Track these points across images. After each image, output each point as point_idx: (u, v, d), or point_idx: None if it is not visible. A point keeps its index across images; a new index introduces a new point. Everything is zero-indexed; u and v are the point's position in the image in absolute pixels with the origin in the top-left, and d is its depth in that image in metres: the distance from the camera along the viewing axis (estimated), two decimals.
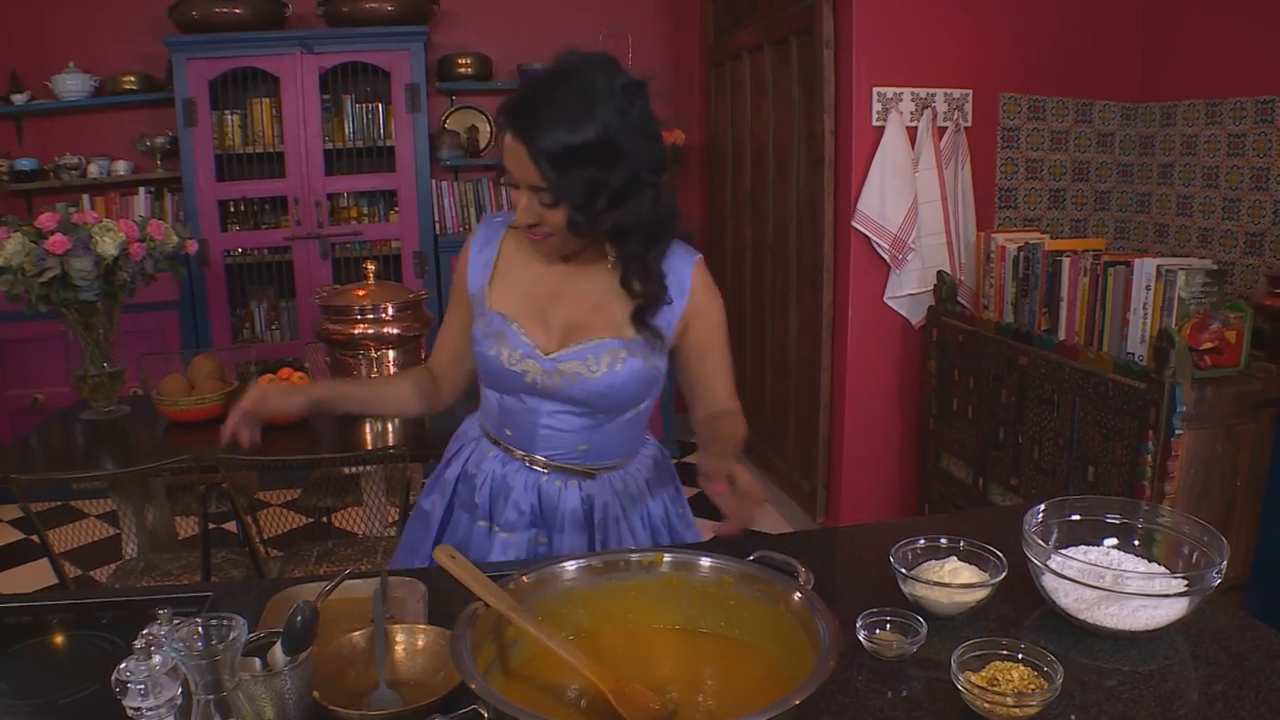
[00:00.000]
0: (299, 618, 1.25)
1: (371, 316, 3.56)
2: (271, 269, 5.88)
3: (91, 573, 4.39)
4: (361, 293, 3.61)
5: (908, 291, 4.24)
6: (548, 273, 1.96)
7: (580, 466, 2.02)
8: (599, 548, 2.01)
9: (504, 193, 2.07)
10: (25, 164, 5.62)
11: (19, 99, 5.57)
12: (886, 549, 1.70)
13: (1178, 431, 2.91)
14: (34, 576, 4.62)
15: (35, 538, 4.86)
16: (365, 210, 6.00)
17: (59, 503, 5.38)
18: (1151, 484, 2.97)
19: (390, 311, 3.57)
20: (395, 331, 3.58)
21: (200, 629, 1.10)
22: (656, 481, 2.16)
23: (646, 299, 1.88)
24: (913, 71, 4.12)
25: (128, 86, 5.65)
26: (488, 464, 2.05)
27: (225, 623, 1.10)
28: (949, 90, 4.15)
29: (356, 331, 3.55)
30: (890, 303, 4.29)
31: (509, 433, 2.02)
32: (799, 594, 1.30)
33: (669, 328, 1.94)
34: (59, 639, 1.66)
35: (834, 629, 1.18)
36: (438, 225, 5.96)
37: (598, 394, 1.92)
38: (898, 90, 4.10)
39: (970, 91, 4.19)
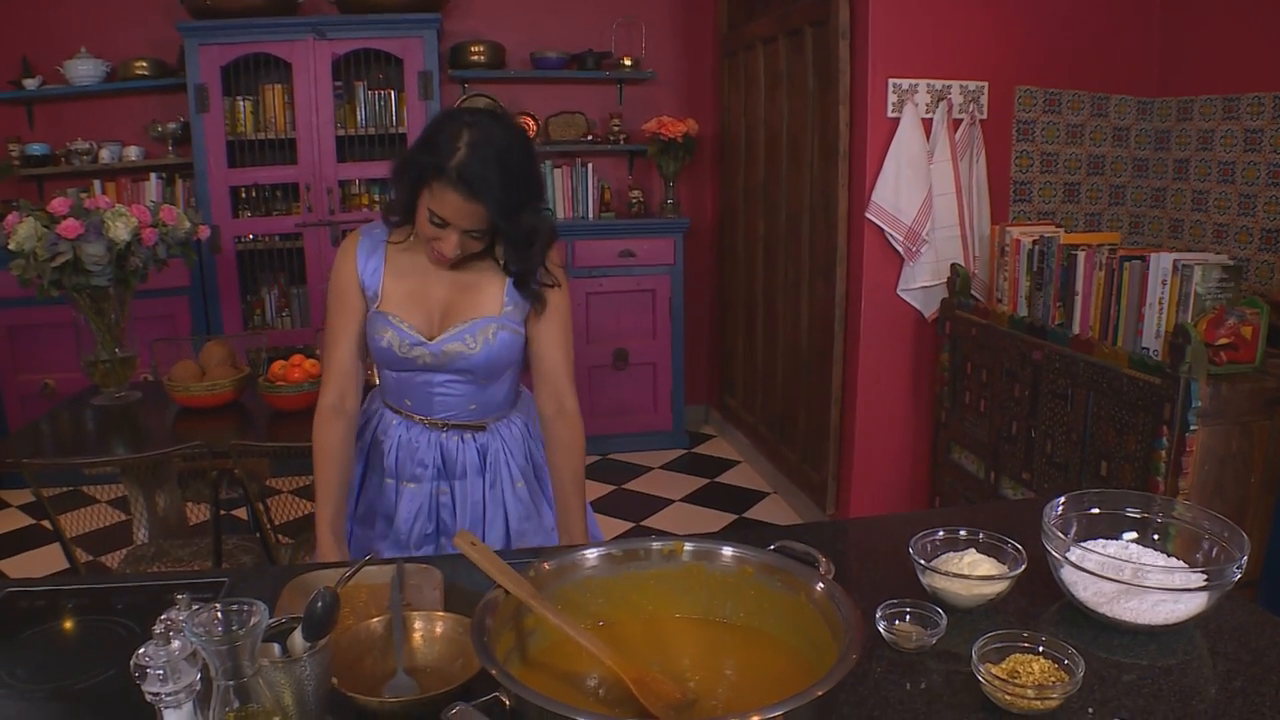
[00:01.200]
0: (320, 604, 1.24)
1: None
2: (283, 255, 5.88)
3: (102, 558, 4.39)
4: None
5: (921, 284, 4.23)
6: (426, 268, 2.26)
7: (472, 422, 2.36)
8: (489, 488, 2.38)
9: None
10: (37, 149, 5.62)
11: (31, 84, 5.56)
12: (902, 540, 1.70)
13: (1192, 427, 2.90)
14: (45, 561, 4.63)
15: (46, 523, 4.89)
16: (377, 197, 5.98)
17: (70, 488, 5.40)
18: (1165, 480, 2.96)
19: None
20: None
21: (220, 614, 1.09)
22: (529, 420, 2.49)
23: (521, 270, 2.22)
24: (928, 63, 4.10)
25: (140, 72, 5.64)
26: (393, 430, 2.36)
27: (245, 608, 1.09)
28: (964, 82, 4.14)
29: None
30: (903, 295, 4.28)
31: (408, 402, 2.34)
32: (821, 584, 1.29)
33: (527, 301, 2.28)
34: (74, 624, 1.66)
35: (857, 620, 1.18)
36: None
37: (479, 365, 2.25)
38: (913, 82, 4.08)
39: (986, 84, 4.17)
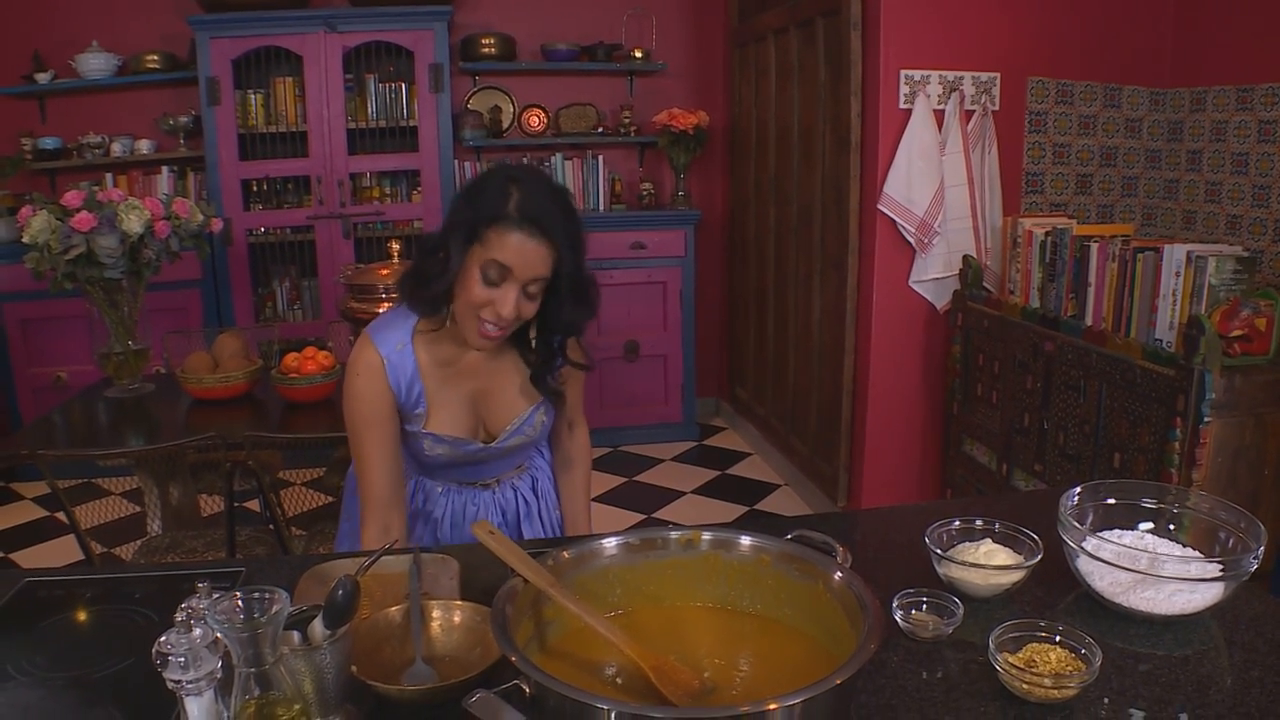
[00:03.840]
0: (340, 592, 1.25)
1: (395, 296, 3.54)
2: (294, 248, 5.88)
3: (116, 550, 4.41)
4: (386, 272, 3.61)
5: (933, 275, 4.22)
6: (460, 372, 2.14)
7: (516, 472, 2.36)
8: (545, 521, 2.38)
9: None
10: (49, 143, 5.64)
11: (43, 78, 5.58)
12: (917, 530, 1.71)
13: (1206, 419, 2.89)
14: (59, 553, 4.65)
15: (60, 515, 4.90)
16: (388, 190, 6.00)
17: (83, 480, 5.42)
18: (1179, 471, 2.96)
19: None
20: None
21: (241, 602, 1.10)
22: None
23: (540, 370, 2.15)
24: (940, 54, 4.09)
25: (151, 65, 5.65)
26: (441, 499, 2.28)
27: (266, 596, 1.10)
28: (977, 73, 4.13)
29: (381, 310, 3.54)
30: (915, 287, 4.27)
31: (457, 476, 2.27)
32: (839, 573, 1.29)
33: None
34: (92, 613, 1.67)
35: (876, 609, 1.18)
36: None
37: (537, 442, 2.31)
38: (925, 73, 4.07)
39: (998, 75, 4.16)
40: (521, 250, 1.88)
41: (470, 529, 1.41)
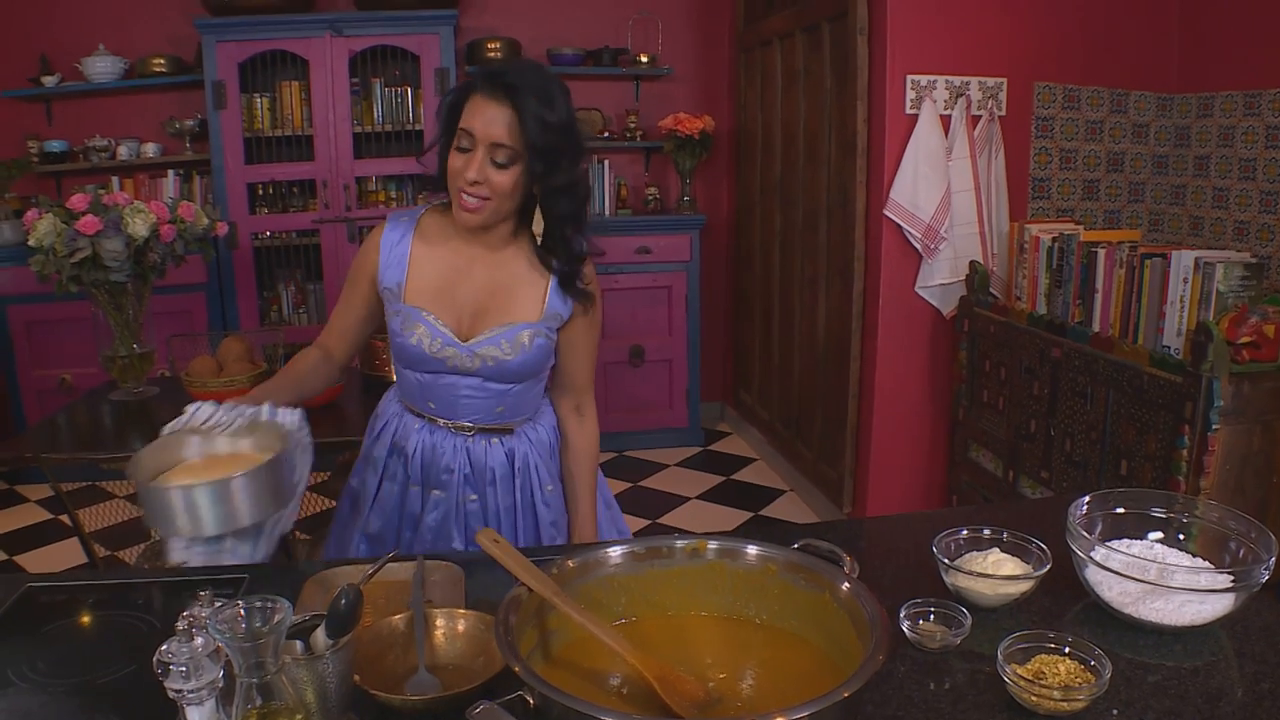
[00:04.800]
0: (343, 600, 1.24)
1: None
2: (299, 252, 5.88)
3: (119, 553, 4.41)
4: None
5: (939, 281, 4.21)
6: (456, 261, 2.17)
7: (499, 425, 2.26)
8: (520, 494, 2.30)
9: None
10: (55, 146, 5.64)
11: (49, 81, 5.58)
12: (924, 539, 1.69)
13: (1214, 426, 2.88)
14: (62, 556, 4.64)
15: (63, 518, 4.91)
16: (393, 194, 5.99)
17: (87, 483, 5.42)
18: (1186, 478, 2.94)
19: None
20: None
21: (243, 611, 1.09)
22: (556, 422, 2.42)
23: (567, 270, 2.15)
24: (947, 59, 4.09)
25: (157, 69, 5.66)
26: (415, 435, 2.26)
27: (269, 605, 1.09)
28: (983, 79, 4.12)
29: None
30: (921, 292, 4.26)
31: (431, 405, 2.24)
32: (846, 583, 1.28)
33: (567, 310, 2.20)
34: (94, 619, 1.66)
35: (883, 620, 1.17)
36: None
37: (511, 370, 2.17)
38: (931, 78, 4.07)
39: (1005, 80, 4.15)
40: (482, 113, 1.95)
41: (475, 538, 1.41)
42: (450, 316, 2.15)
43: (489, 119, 1.94)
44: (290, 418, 1.90)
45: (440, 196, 2.18)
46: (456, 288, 2.16)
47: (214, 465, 1.81)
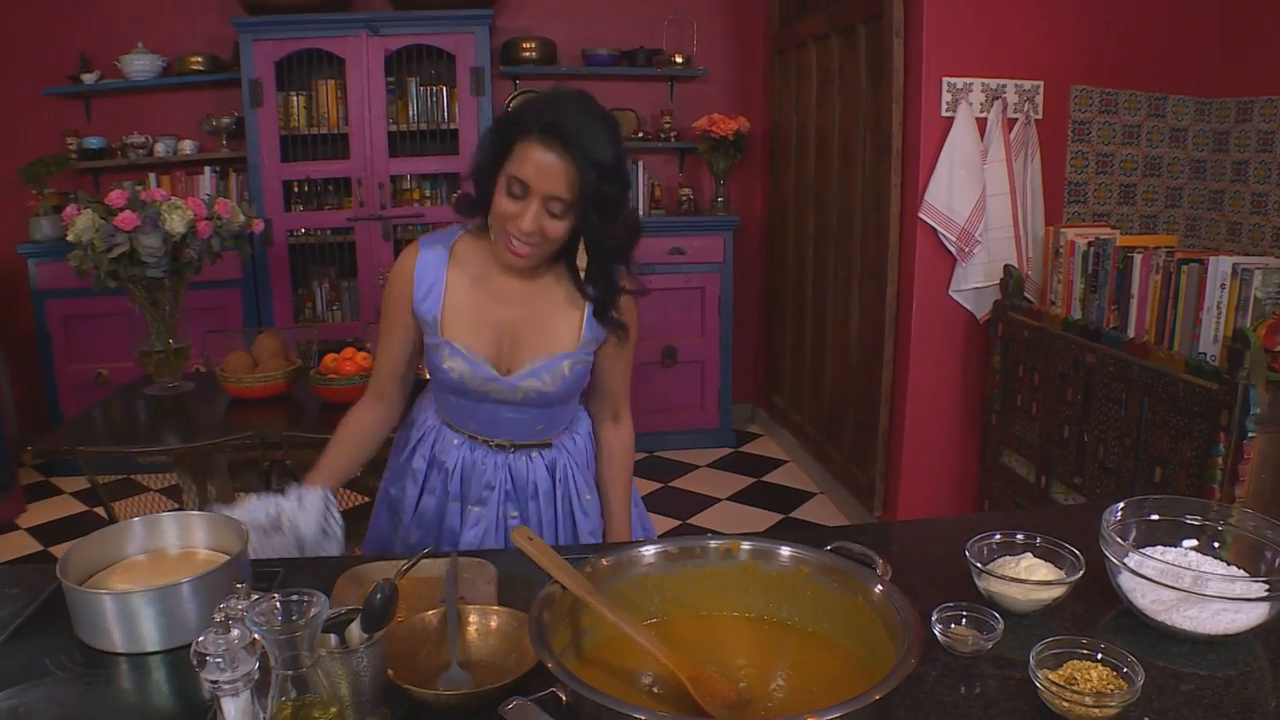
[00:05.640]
0: (379, 595, 1.25)
1: None
2: (334, 249, 5.92)
3: None
4: None
5: (973, 285, 4.19)
6: (494, 290, 2.13)
7: (539, 440, 2.26)
8: (560, 505, 2.29)
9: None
10: (93, 142, 5.70)
11: (88, 78, 5.64)
12: (956, 543, 1.69)
13: (1250, 434, 2.85)
14: None
15: (99, 510, 4.95)
16: (428, 193, 6.02)
17: (121, 476, 5.47)
18: (1221, 487, 2.92)
19: None
20: None
21: (279, 604, 1.10)
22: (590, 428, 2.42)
23: (604, 300, 2.12)
24: (983, 62, 4.07)
25: (195, 67, 5.71)
26: (454, 451, 2.25)
27: (305, 598, 1.10)
28: (1019, 81, 4.10)
29: None
30: (955, 296, 4.24)
31: (472, 424, 2.23)
32: (879, 586, 1.28)
33: (603, 333, 2.18)
34: None
35: (915, 623, 1.17)
36: None
37: (554, 397, 2.17)
38: (968, 81, 4.05)
39: (1041, 83, 4.13)
40: (539, 166, 1.88)
41: (510, 535, 1.41)
42: (489, 348, 2.12)
43: (545, 171, 1.88)
44: (336, 528, 2.03)
45: (476, 221, 2.12)
46: (494, 318, 2.13)
47: (160, 564, 1.75)
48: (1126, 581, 1.57)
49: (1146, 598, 1.54)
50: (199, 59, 5.70)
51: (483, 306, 2.12)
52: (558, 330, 2.14)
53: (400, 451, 2.36)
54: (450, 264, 2.12)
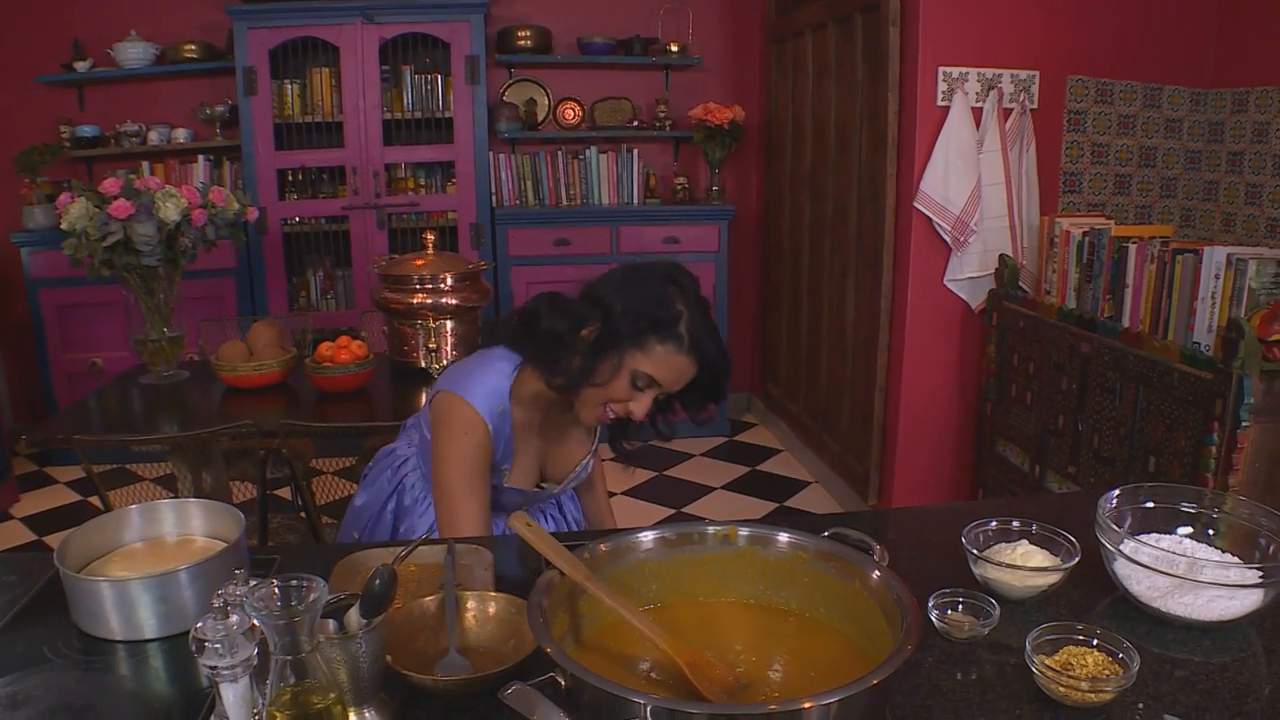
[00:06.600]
0: (378, 580, 1.25)
1: (430, 286, 3.55)
2: (328, 238, 5.91)
3: None
4: (421, 263, 3.61)
5: (968, 274, 4.20)
6: (549, 430, 2.26)
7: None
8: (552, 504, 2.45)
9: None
10: (87, 131, 5.69)
11: (81, 66, 5.62)
12: (953, 531, 1.70)
13: (1244, 424, 2.86)
14: None
15: (94, 499, 4.94)
16: (423, 181, 6.02)
17: (116, 465, 5.47)
18: (1215, 476, 2.93)
19: (449, 282, 3.57)
20: (453, 302, 3.58)
21: (278, 589, 1.10)
22: None
23: (620, 437, 2.27)
24: (979, 52, 4.06)
25: (188, 55, 5.69)
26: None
27: (304, 584, 1.10)
28: (1015, 71, 4.10)
29: (415, 301, 3.55)
30: (950, 285, 4.25)
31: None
32: (877, 572, 1.29)
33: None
34: None
35: (914, 609, 1.17)
36: (494, 197, 5.95)
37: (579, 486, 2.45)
38: (964, 70, 4.05)
39: (1037, 73, 4.13)
40: (679, 372, 2.01)
41: (508, 522, 1.42)
42: (534, 479, 2.29)
43: (680, 375, 2.02)
44: None
45: (518, 360, 2.13)
46: (538, 456, 2.28)
47: (158, 551, 1.75)
48: (1122, 568, 1.57)
49: (1142, 584, 1.55)
50: (193, 47, 5.68)
51: (532, 446, 2.25)
52: (580, 439, 2.35)
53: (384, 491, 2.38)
54: (514, 421, 2.14)
